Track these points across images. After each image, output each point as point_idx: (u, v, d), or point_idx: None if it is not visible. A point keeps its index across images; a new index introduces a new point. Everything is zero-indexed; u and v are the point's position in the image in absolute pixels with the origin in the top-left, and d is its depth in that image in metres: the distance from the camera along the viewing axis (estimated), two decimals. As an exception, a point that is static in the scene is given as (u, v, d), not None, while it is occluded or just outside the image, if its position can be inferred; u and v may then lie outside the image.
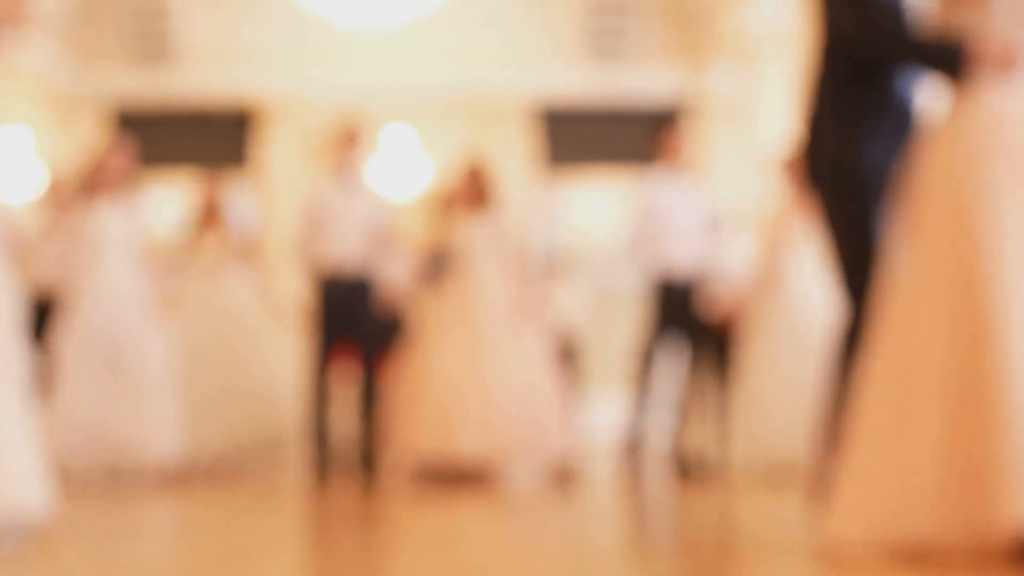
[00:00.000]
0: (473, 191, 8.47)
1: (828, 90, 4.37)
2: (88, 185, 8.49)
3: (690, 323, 8.84)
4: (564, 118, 15.70)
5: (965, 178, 3.74)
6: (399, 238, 9.39)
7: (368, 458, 8.57)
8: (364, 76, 15.47)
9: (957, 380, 3.64)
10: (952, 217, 3.74)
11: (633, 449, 8.74)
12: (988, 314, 3.60)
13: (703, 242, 8.92)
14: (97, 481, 8.09)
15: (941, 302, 3.72)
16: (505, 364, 8.18)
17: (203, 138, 15.49)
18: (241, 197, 15.74)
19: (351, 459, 8.92)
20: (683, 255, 8.83)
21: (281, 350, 10.07)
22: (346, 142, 8.77)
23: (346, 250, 8.68)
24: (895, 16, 4.21)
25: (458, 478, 8.02)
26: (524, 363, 8.24)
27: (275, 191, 15.41)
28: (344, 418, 9.46)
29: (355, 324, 8.65)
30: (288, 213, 14.49)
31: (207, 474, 8.82)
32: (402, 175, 15.26)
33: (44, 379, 8.43)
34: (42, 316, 9.65)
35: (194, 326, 9.35)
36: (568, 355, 13.01)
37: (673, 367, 9.04)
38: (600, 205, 15.82)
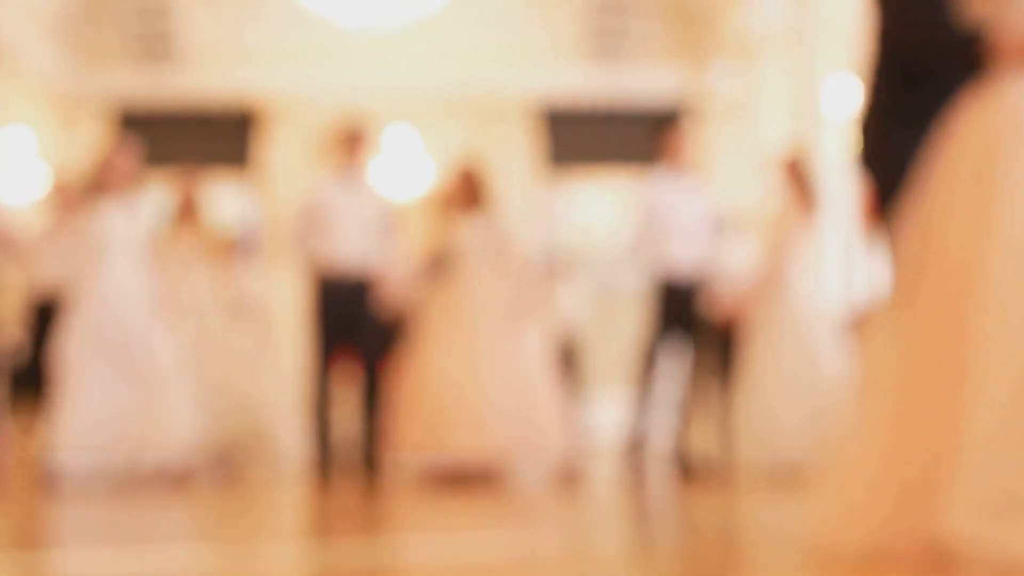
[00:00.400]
0: (467, 193, 8.48)
1: (882, 93, 4.25)
2: (94, 186, 8.50)
3: (692, 323, 8.84)
4: (566, 118, 15.70)
5: (983, 169, 3.73)
6: (403, 237, 9.39)
7: (371, 459, 8.57)
8: (366, 76, 15.47)
9: (946, 378, 3.65)
10: (969, 209, 3.73)
11: (635, 449, 8.74)
12: (982, 312, 3.59)
13: (705, 242, 8.91)
14: (106, 481, 8.10)
15: (941, 303, 3.72)
16: (503, 364, 8.19)
17: (205, 138, 15.49)
18: (243, 198, 15.74)
19: (353, 460, 8.93)
20: (685, 255, 8.83)
21: (248, 352, 10.07)
22: (348, 142, 8.77)
23: (348, 250, 8.67)
24: (937, 12, 4.04)
25: (459, 478, 8.03)
26: (522, 363, 8.24)
27: (277, 191, 15.41)
28: (344, 418, 9.47)
29: (356, 325, 8.66)
30: (290, 213, 14.50)
31: (208, 474, 8.82)
32: (404, 175, 15.26)
33: (50, 380, 8.43)
34: (46, 317, 9.66)
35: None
36: (570, 355, 13.01)
37: (675, 367, 9.04)
38: (601, 205, 15.82)
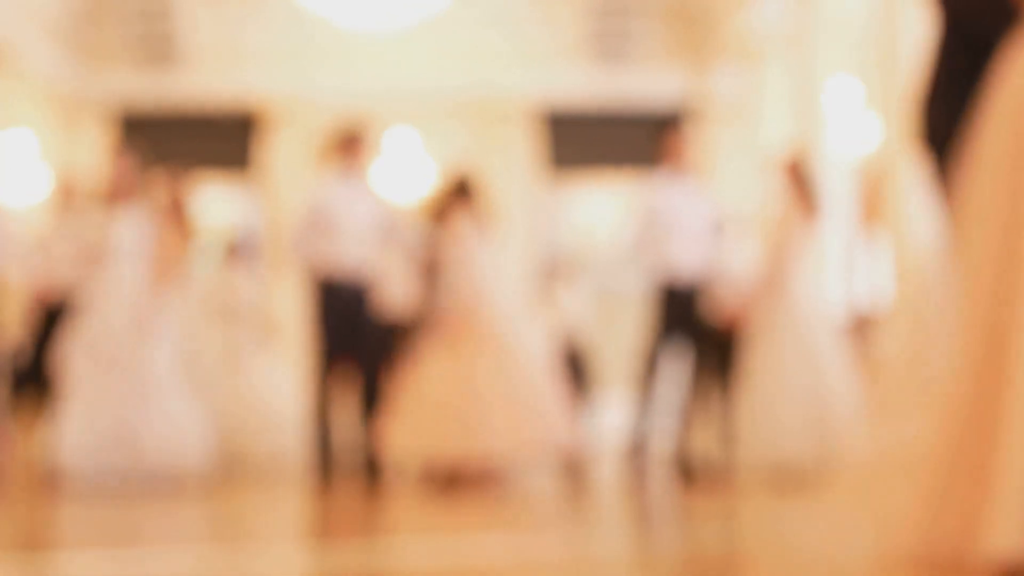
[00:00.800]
0: (461, 202, 8.48)
1: (945, 64, 4.17)
2: (103, 194, 8.51)
3: (694, 326, 8.84)
4: (567, 120, 15.70)
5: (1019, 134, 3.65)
6: (405, 239, 9.39)
7: (373, 464, 8.56)
8: (368, 78, 15.48)
9: (980, 376, 3.54)
10: (1006, 176, 3.63)
11: (637, 452, 8.74)
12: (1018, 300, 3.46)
13: (707, 245, 8.91)
14: (108, 484, 8.10)
15: (980, 285, 3.57)
16: (504, 364, 8.18)
17: (207, 140, 15.49)
18: (244, 200, 15.75)
19: (354, 463, 8.92)
20: (687, 258, 8.83)
21: (243, 355, 10.08)
22: (346, 145, 8.75)
23: (350, 253, 8.66)
24: None
25: (461, 479, 8.03)
26: (524, 362, 8.24)
27: (279, 193, 15.42)
28: (345, 421, 9.47)
29: (358, 329, 8.63)
30: (292, 216, 14.50)
31: (208, 477, 8.83)
32: (406, 177, 15.27)
33: (52, 382, 8.44)
34: (48, 319, 9.66)
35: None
36: (577, 360, 13.02)
37: (677, 370, 9.04)
38: (603, 207, 15.83)
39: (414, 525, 5.92)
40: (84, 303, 8.34)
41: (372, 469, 8.54)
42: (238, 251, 10.80)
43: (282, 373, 10.68)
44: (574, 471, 8.64)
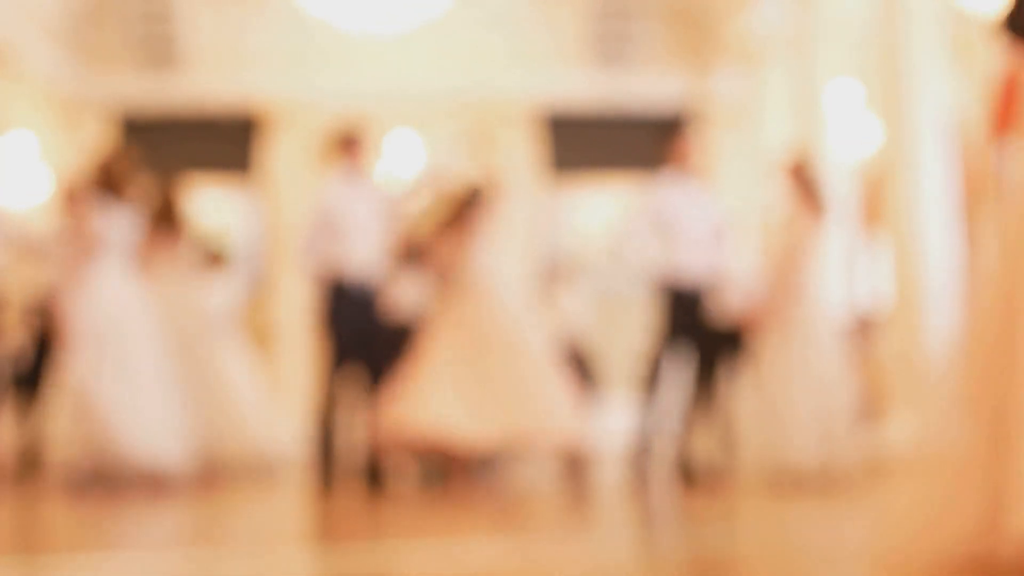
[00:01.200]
0: (464, 216, 8.48)
1: None
2: (97, 188, 8.50)
3: (699, 330, 8.82)
4: (569, 123, 15.70)
5: None
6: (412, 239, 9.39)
7: (374, 468, 8.54)
8: (369, 81, 15.48)
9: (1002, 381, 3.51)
10: None
11: (641, 454, 8.73)
12: None
13: (712, 248, 8.89)
14: (108, 485, 8.09)
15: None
16: (513, 354, 8.18)
17: (208, 142, 15.49)
18: (245, 202, 15.74)
19: (357, 466, 8.91)
20: (692, 261, 8.81)
21: (229, 360, 10.07)
22: (344, 146, 8.74)
23: (359, 255, 8.63)
24: None
25: (457, 466, 8.02)
26: (533, 354, 8.23)
27: (280, 196, 15.41)
28: (346, 423, 9.46)
29: (368, 331, 8.61)
30: (293, 218, 14.50)
31: (203, 479, 8.83)
32: (406, 179, 15.26)
33: (48, 383, 8.43)
34: (49, 320, 9.65)
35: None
36: (582, 362, 13.01)
37: (681, 373, 9.02)
38: (604, 210, 15.82)
39: (417, 528, 5.91)
40: (75, 300, 8.34)
41: (373, 473, 8.52)
42: (221, 260, 10.72)
43: (282, 377, 10.67)
44: (577, 469, 8.63)
